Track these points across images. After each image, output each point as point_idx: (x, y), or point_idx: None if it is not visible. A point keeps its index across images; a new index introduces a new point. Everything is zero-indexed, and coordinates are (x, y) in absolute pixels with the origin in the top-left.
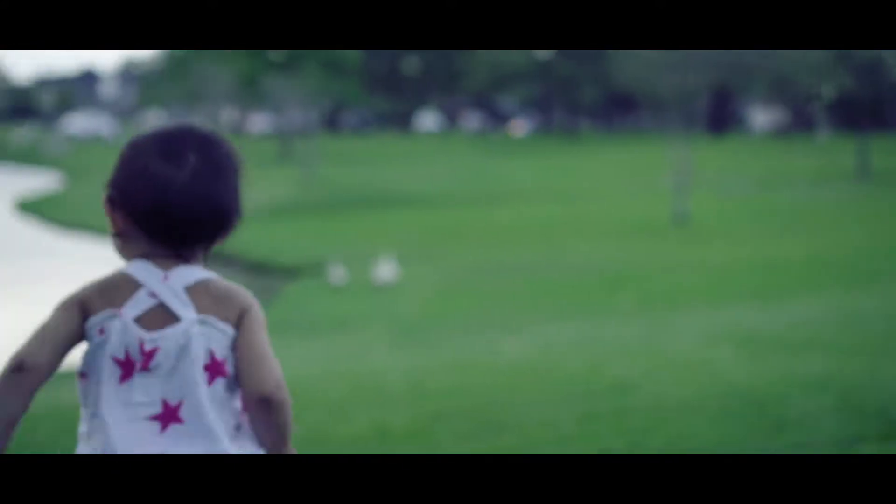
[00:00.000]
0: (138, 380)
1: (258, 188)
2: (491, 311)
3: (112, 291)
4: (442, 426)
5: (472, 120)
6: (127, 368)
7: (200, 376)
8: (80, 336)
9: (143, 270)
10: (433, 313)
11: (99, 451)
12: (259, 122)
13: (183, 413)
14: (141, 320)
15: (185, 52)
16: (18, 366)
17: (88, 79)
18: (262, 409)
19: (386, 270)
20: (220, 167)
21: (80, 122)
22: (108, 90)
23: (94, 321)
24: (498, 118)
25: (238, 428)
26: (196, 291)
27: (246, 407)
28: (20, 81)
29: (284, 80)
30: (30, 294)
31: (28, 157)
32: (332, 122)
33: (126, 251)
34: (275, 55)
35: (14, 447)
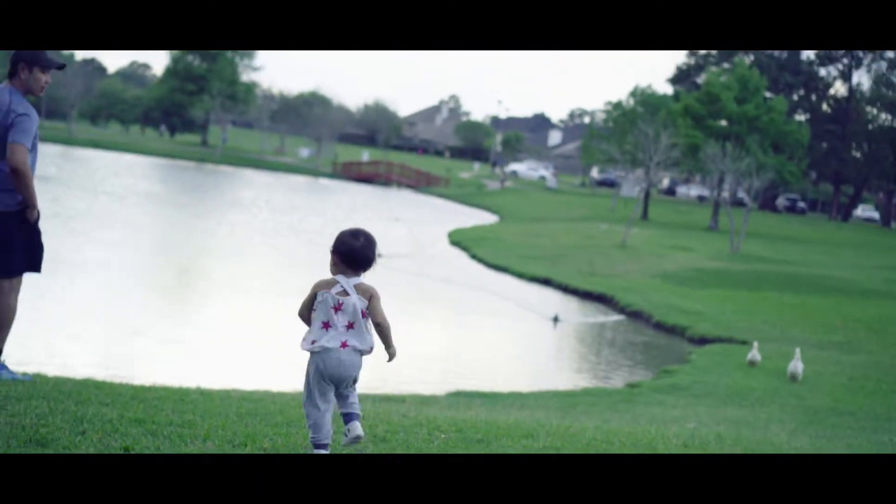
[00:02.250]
0: (339, 313)
1: (683, 254)
2: None
3: (329, 283)
4: None
5: None
6: (335, 309)
7: (359, 314)
8: (314, 300)
9: (341, 277)
10: (843, 404)
11: (326, 344)
12: (693, 188)
13: (354, 325)
14: (338, 294)
15: (631, 111)
16: (304, 309)
17: (540, 123)
18: (380, 331)
19: (796, 365)
20: (371, 243)
21: (525, 167)
22: (555, 138)
23: (319, 294)
24: None
25: (368, 332)
26: (356, 286)
27: (374, 324)
28: (475, 118)
29: (727, 150)
30: (468, 322)
31: (471, 197)
32: (766, 199)
33: (333, 270)
34: (720, 126)
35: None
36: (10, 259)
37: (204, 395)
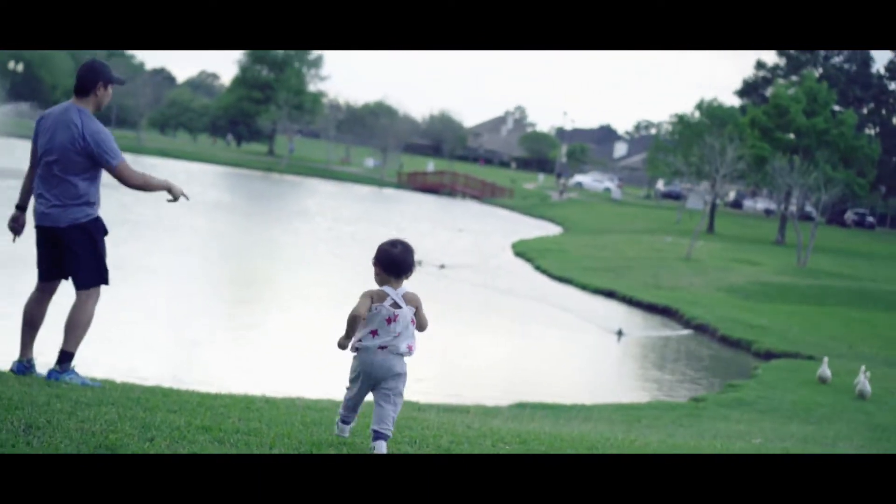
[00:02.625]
0: (392, 324)
1: (749, 268)
2: None
3: (380, 295)
4: None
5: None
6: (389, 321)
7: (409, 323)
8: (368, 309)
9: (389, 289)
10: None
11: (368, 345)
12: (759, 201)
13: (402, 333)
14: (391, 306)
15: (697, 124)
16: (355, 315)
17: (606, 134)
18: (420, 330)
19: (864, 383)
20: (408, 250)
21: (590, 179)
22: (620, 150)
23: (374, 306)
24: None
25: (411, 337)
26: (404, 296)
27: (417, 327)
28: (541, 129)
29: (794, 164)
30: (524, 331)
31: (535, 208)
32: (834, 213)
33: (378, 280)
34: (788, 139)
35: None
36: (81, 271)
37: (269, 403)
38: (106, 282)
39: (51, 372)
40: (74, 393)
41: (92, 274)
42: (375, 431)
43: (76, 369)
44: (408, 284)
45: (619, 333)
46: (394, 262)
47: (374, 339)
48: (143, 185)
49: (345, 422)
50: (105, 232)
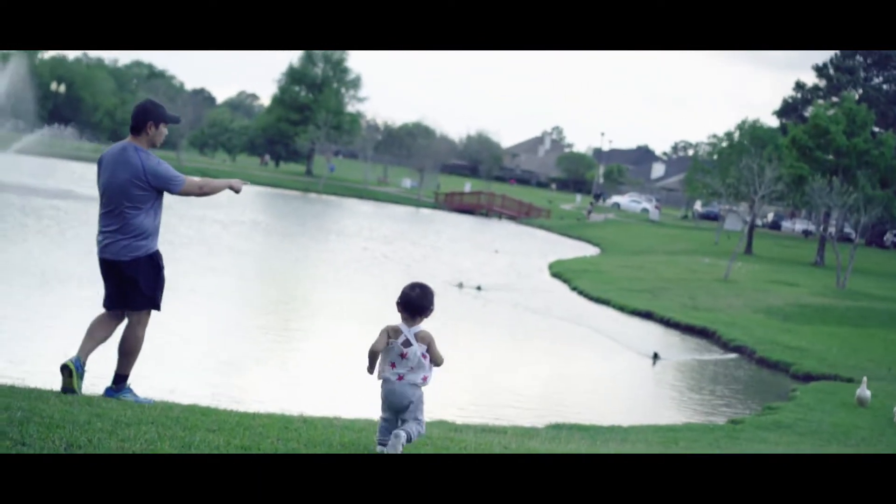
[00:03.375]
0: (404, 360)
1: (787, 289)
2: None
3: (396, 331)
4: None
5: None
6: (402, 356)
7: (419, 358)
8: (385, 343)
9: (403, 326)
10: None
11: (389, 376)
12: (798, 223)
13: (415, 367)
14: (402, 344)
15: (738, 144)
16: (374, 351)
17: (643, 155)
18: (435, 365)
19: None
20: (426, 293)
21: (627, 199)
22: (658, 170)
23: (391, 341)
24: None
25: (426, 369)
26: (416, 335)
27: (432, 362)
28: (578, 150)
29: (835, 184)
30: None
31: (572, 228)
32: (874, 235)
33: (401, 317)
34: (828, 159)
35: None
36: (136, 296)
37: (307, 423)
38: (157, 307)
39: (108, 390)
40: (114, 412)
41: (145, 298)
42: (394, 432)
43: (132, 388)
44: (444, 307)
45: (655, 357)
46: (410, 303)
47: (393, 370)
48: (208, 192)
49: (382, 444)
50: (163, 265)
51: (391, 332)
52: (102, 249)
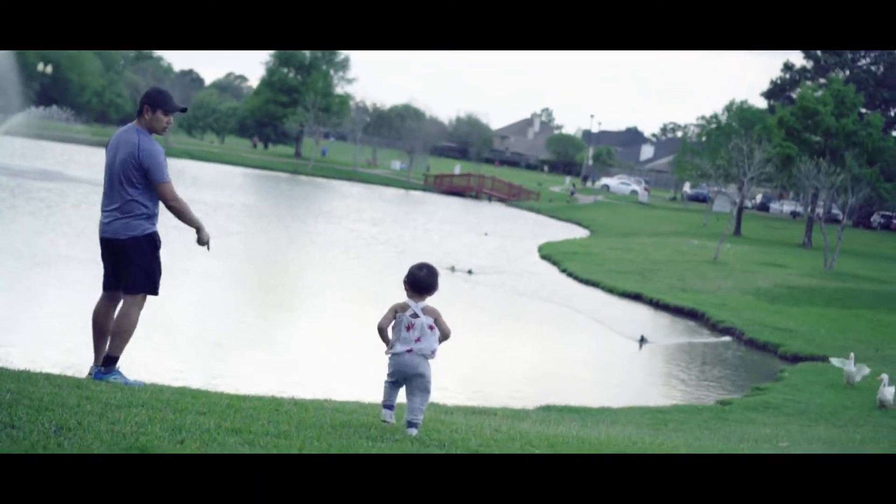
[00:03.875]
0: (410, 330)
1: (776, 271)
2: None
3: (403, 306)
4: None
5: None
6: (408, 328)
7: (427, 330)
8: (391, 319)
9: (411, 302)
10: None
11: (398, 349)
12: (786, 204)
13: (422, 338)
14: (411, 316)
15: (726, 126)
16: (380, 327)
17: (632, 137)
18: (443, 339)
19: (884, 391)
20: (432, 273)
21: (616, 181)
22: (647, 152)
23: (398, 315)
24: None
25: (433, 340)
26: (423, 308)
27: (441, 336)
28: (567, 132)
29: (822, 166)
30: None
31: (562, 210)
32: (861, 216)
33: (407, 295)
34: (816, 140)
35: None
36: (133, 277)
37: (298, 405)
38: (154, 292)
39: (96, 373)
40: (104, 395)
41: (141, 282)
42: (409, 421)
43: (121, 370)
44: (439, 289)
45: (642, 341)
46: (418, 282)
47: (401, 343)
48: (179, 209)
49: (387, 406)
50: (159, 246)
51: (399, 308)
52: (103, 228)
